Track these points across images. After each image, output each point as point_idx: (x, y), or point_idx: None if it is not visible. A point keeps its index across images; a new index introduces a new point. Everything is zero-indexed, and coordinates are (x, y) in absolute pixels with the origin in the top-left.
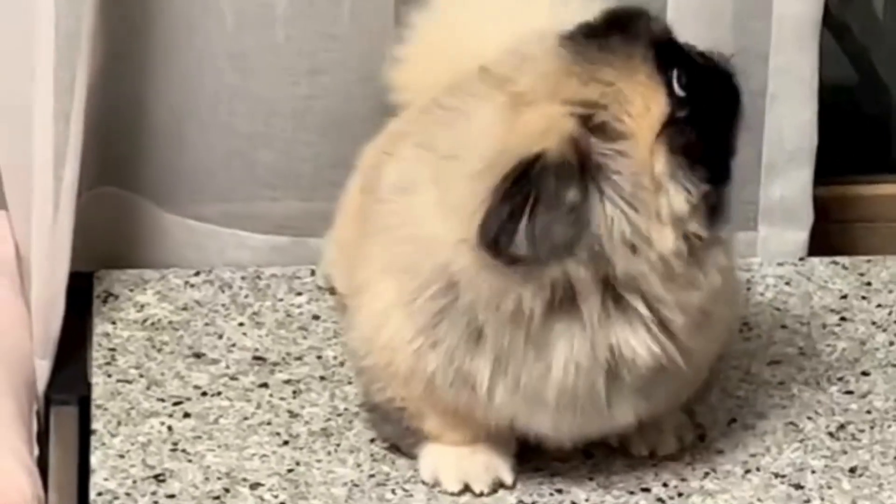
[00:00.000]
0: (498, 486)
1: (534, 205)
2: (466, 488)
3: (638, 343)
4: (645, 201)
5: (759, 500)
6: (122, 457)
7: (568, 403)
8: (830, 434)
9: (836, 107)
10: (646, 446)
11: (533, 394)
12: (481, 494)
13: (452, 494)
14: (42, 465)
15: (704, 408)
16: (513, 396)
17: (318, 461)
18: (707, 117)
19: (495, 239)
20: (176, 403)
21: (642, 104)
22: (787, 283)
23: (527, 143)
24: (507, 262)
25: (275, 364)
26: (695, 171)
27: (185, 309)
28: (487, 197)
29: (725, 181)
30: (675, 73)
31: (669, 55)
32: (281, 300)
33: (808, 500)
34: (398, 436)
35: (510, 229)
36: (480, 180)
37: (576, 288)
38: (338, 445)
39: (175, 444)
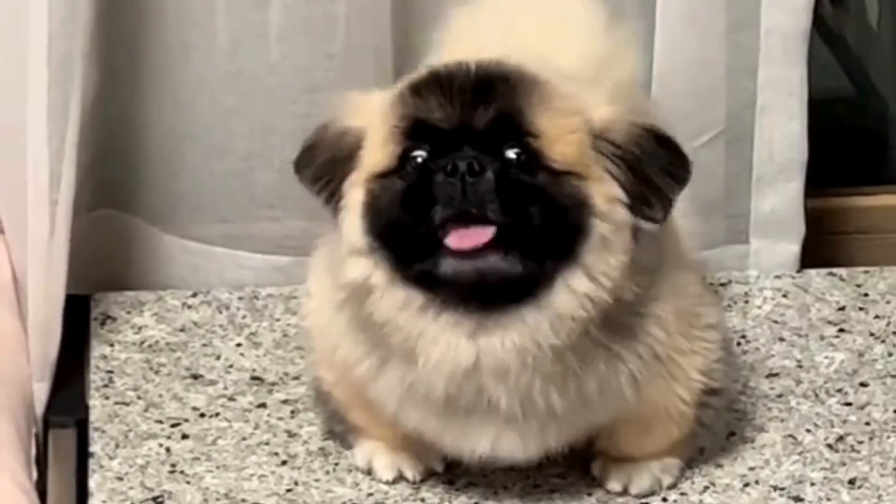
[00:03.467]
0: (430, 473)
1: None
2: (400, 476)
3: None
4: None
5: None
6: (120, 479)
7: (433, 409)
8: (829, 446)
9: (831, 118)
10: (619, 482)
11: (404, 396)
12: (414, 482)
13: (387, 483)
14: (40, 487)
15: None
16: (385, 392)
17: (317, 481)
18: (389, 209)
19: (296, 166)
20: (174, 425)
21: (372, 147)
22: (785, 296)
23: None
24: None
25: (272, 384)
26: (368, 220)
27: (182, 330)
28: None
29: (402, 258)
30: (411, 152)
31: (424, 135)
32: (278, 320)
33: None
34: (329, 417)
35: (303, 162)
36: None
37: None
38: (336, 465)
39: (173, 465)
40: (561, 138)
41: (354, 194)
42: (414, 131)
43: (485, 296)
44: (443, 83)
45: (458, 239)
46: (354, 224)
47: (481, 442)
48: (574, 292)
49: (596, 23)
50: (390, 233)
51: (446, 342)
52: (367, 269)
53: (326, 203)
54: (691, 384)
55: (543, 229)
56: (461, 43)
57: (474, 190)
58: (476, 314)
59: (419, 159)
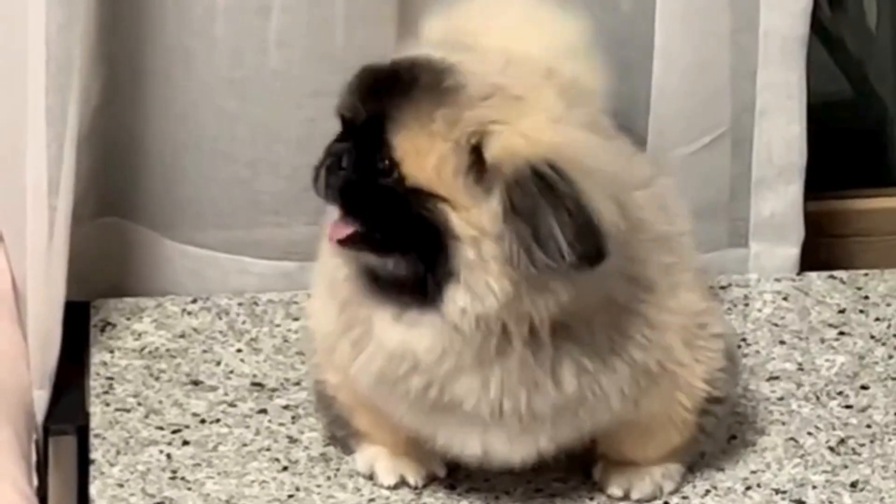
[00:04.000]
0: (432, 478)
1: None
2: (402, 481)
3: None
4: None
5: None
6: (121, 486)
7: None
8: (831, 449)
9: (831, 121)
10: (619, 487)
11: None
12: (416, 487)
13: (388, 488)
14: (41, 494)
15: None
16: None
17: (318, 486)
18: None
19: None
20: (175, 431)
21: None
22: (785, 299)
23: None
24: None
25: (273, 390)
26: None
27: (182, 336)
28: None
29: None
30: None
31: (343, 130)
32: (278, 326)
33: None
34: (331, 422)
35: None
36: None
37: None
38: (337, 470)
39: (174, 472)
40: (415, 157)
41: None
42: (341, 126)
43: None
44: (356, 78)
45: (330, 230)
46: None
47: (470, 443)
48: (456, 304)
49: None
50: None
51: (381, 326)
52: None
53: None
54: (694, 392)
55: (406, 238)
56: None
57: (328, 183)
58: (397, 305)
59: (325, 151)
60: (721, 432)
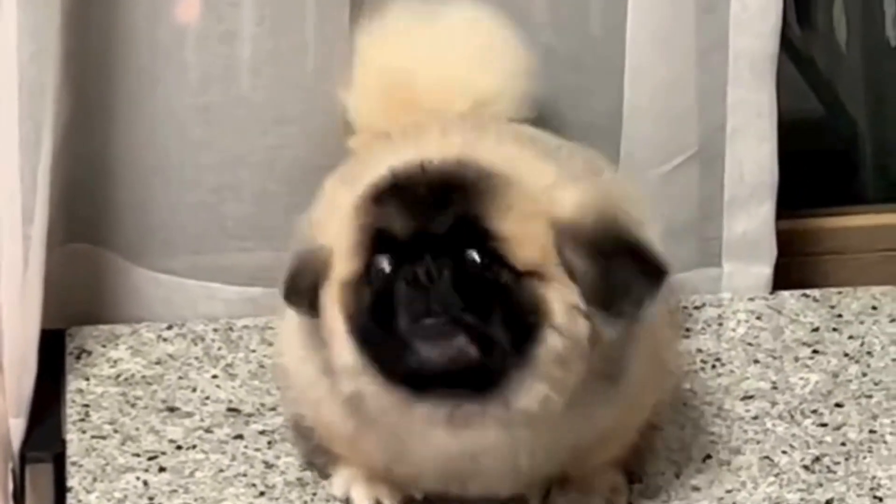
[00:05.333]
0: (409, 501)
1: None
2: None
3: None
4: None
5: None
6: None
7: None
8: (806, 467)
9: (802, 140)
10: None
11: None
12: None
13: None
14: None
15: (678, 444)
16: (372, 453)
17: None
18: (381, 315)
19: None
20: (151, 458)
21: (340, 256)
22: (759, 318)
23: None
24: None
25: (249, 415)
26: (353, 338)
27: (158, 363)
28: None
29: (387, 366)
30: (374, 262)
31: (387, 245)
32: (254, 351)
33: None
34: (309, 451)
35: (288, 290)
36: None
37: None
38: (314, 495)
39: (151, 498)
40: (524, 241)
41: (333, 309)
42: (377, 241)
43: (455, 386)
44: (401, 191)
45: (436, 353)
46: (343, 344)
47: (473, 491)
48: (530, 393)
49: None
50: (369, 341)
51: (431, 436)
52: (357, 382)
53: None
54: (643, 415)
55: (503, 328)
56: (376, 63)
57: (437, 296)
58: (448, 409)
59: (383, 267)
60: (661, 458)
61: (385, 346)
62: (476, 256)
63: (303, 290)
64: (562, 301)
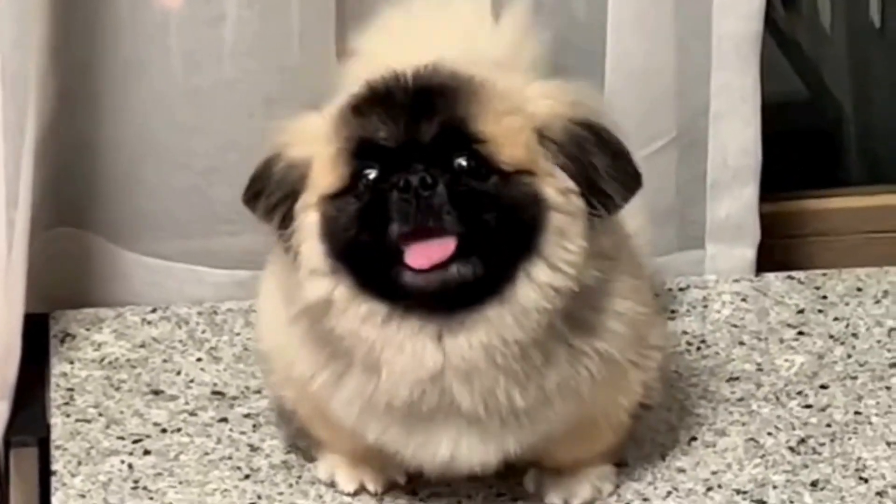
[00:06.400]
0: (392, 485)
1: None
2: (363, 488)
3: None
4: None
5: None
6: (83, 496)
7: (400, 420)
8: (791, 449)
9: (786, 122)
10: (559, 495)
11: (368, 405)
12: (377, 494)
13: (350, 495)
14: None
15: (663, 426)
16: (345, 405)
17: (280, 494)
18: (343, 229)
19: (245, 197)
20: (136, 441)
21: (321, 170)
22: (744, 300)
23: (293, 143)
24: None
25: (234, 398)
26: (327, 243)
27: (142, 346)
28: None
29: (363, 276)
30: (362, 171)
31: (372, 154)
32: (238, 334)
33: None
34: (295, 435)
35: (252, 195)
36: None
37: None
38: (299, 478)
39: (136, 481)
40: (508, 140)
41: (308, 217)
42: (361, 151)
43: (448, 300)
44: (383, 100)
45: (421, 258)
46: (313, 247)
47: (442, 447)
48: (537, 284)
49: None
50: (350, 252)
51: (412, 349)
52: (328, 287)
53: (279, 230)
54: (632, 395)
55: (501, 231)
56: (377, 51)
57: (428, 204)
58: (439, 318)
59: (370, 177)
60: (646, 440)
61: (371, 258)
62: (464, 162)
63: (268, 197)
64: (553, 187)
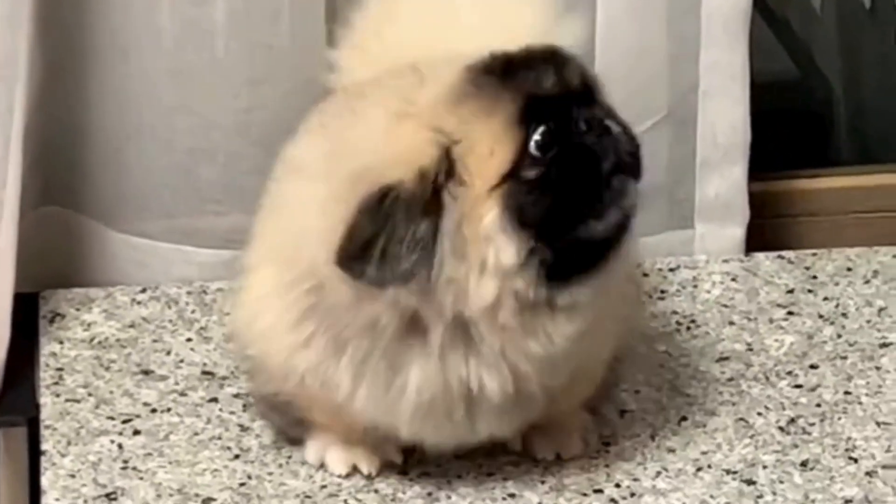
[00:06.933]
0: (387, 466)
1: (386, 238)
2: (355, 469)
3: (488, 377)
4: (465, 249)
5: (711, 497)
6: (72, 476)
7: (425, 420)
8: (781, 429)
9: (776, 101)
10: (550, 450)
11: (390, 408)
12: (370, 475)
13: (340, 476)
14: None
15: (653, 406)
16: (373, 407)
17: (270, 474)
18: (557, 187)
19: (349, 263)
20: (125, 421)
21: (487, 150)
22: (734, 280)
23: (389, 166)
24: (358, 281)
25: (224, 378)
26: (525, 231)
27: (132, 326)
28: (347, 221)
29: (565, 250)
30: (537, 131)
31: (542, 111)
32: (227, 314)
33: (761, 496)
34: (285, 424)
35: (363, 257)
36: (342, 197)
37: (422, 316)
38: (289, 458)
39: (126, 461)
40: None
41: (479, 215)
42: (527, 113)
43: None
44: (525, 60)
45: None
46: (502, 241)
47: (464, 432)
48: (626, 250)
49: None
50: (553, 221)
51: (549, 331)
52: (504, 283)
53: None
54: (610, 346)
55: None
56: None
57: (617, 140)
58: (573, 296)
59: (539, 139)
60: (636, 420)
61: (576, 216)
62: (605, 105)
63: (392, 244)
64: None
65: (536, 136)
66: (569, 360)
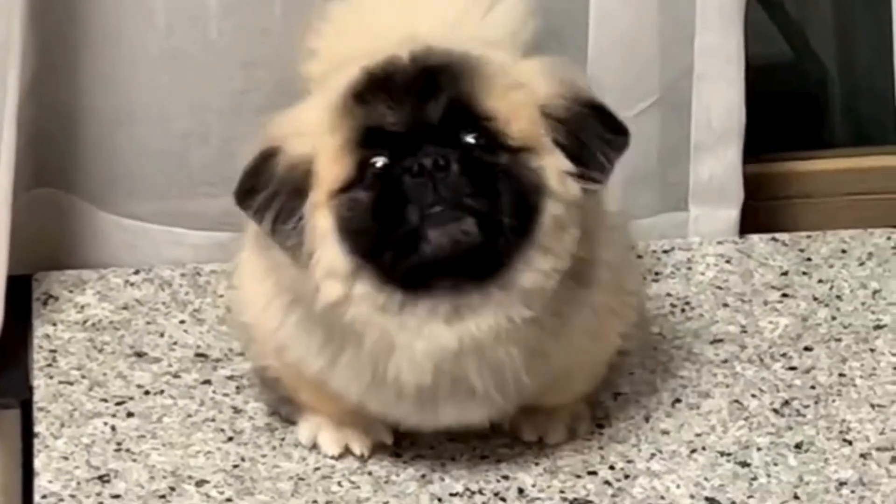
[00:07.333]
0: (379, 446)
1: (265, 185)
2: (347, 450)
3: (396, 367)
4: (314, 245)
5: (705, 479)
6: (66, 458)
7: (384, 401)
8: (775, 411)
9: (771, 83)
10: (534, 433)
11: (347, 385)
12: (362, 456)
13: (334, 458)
14: None
15: (647, 388)
16: (336, 383)
17: (263, 456)
18: (369, 216)
19: (240, 197)
20: (119, 403)
21: (330, 162)
22: (728, 262)
23: (293, 136)
24: (248, 214)
25: (217, 360)
26: (347, 242)
27: (125, 308)
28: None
29: (386, 266)
30: (375, 158)
31: (382, 142)
32: (221, 296)
33: (755, 478)
34: (276, 402)
35: (249, 192)
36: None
37: None
38: (282, 440)
39: (119, 443)
40: (514, 116)
41: (321, 219)
42: (368, 140)
43: (458, 275)
44: (385, 85)
45: (442, 237)
46: (330, 249)
47: (446, 416)
48: (535, 269)
49: None
50: (372, 246)
51: (428, 332)
52: (347, 286)
53: (276, 226)
54: (612, 343)
55: (511, 208)
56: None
57: (445, 184)
58: (449, 302)
59: (378, 165)
60: (630, 402)
61: (388, 244)
62: (472, 139)
63: (266, 196)
64: (554, 169)
65: (375, 161)
66: (535, 360)
